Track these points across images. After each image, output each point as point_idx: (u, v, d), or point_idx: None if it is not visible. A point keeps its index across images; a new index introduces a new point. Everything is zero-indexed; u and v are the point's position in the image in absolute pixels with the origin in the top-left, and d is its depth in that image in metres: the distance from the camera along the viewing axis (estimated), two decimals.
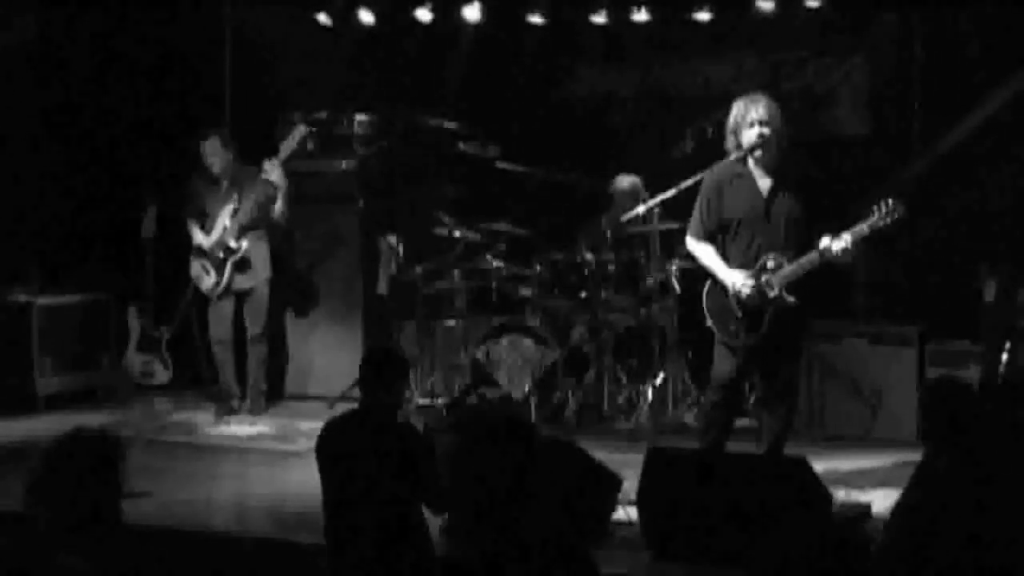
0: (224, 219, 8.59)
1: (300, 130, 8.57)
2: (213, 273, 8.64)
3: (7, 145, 9.43)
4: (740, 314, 6.18)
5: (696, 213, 6.36)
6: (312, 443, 7.74)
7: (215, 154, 8.60)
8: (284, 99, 9.46)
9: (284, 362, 9.32)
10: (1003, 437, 5.26)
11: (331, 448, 5.12)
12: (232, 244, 8.57)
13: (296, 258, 9.30)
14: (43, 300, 8.97)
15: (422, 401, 8.40)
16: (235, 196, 8.58)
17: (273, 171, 8.40)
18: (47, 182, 9.79)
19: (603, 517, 5.58)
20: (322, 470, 5.13)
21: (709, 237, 6.31)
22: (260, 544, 5.98)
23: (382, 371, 5.12)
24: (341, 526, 5.03)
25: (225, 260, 8.60)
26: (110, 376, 9.24)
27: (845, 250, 6.01)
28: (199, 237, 8.68)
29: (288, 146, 8.48)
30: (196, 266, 8.72)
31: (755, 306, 6.15)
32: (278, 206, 8.54)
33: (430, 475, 4.95)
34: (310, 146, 8.95)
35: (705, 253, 6.33)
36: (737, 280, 6.15)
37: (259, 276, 8.73)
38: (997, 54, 8.26)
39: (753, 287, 6.12)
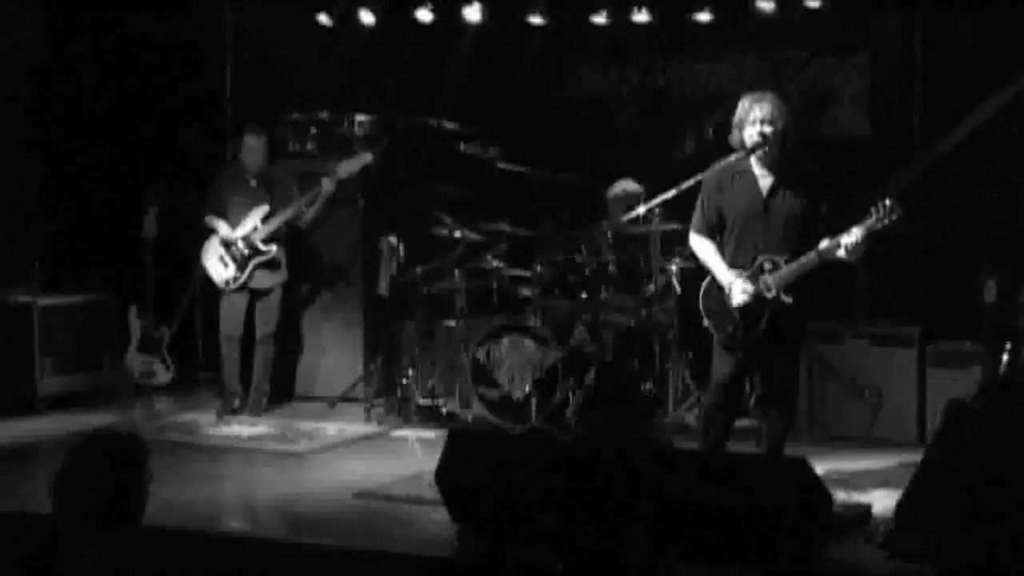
0: (255, 218, 8.60)
1: (366, 158, 8.62)
2: (232, 267, 8.63)
3: (8, 146, 9.43)
4: (738, 314, 6.20)
5: (698, 208, 6.39)
6: (313, 443, 7.91)
7: (259, 150, 8.65)
8: (285, 99, 9.46)
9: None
10: (1003, 437, 5.26)
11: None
12: (261, 247, 8.59)
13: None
14: (44, 301, 8.96)
15: (422, 402, 8.43)
16: (268, 197, 8.62)
17: (329, 186, 8.51)
18: (48, 183, 9.79)
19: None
20: None
21: (711, 232, 6.32)
22: (263, 545, 5.98)
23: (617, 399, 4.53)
24: None
25: (249, 258, 8.60)
26: (111, 377, 9.24)
27: (847, 251, 6.02)
28: (224, 229, 8.65)
29: (347, 168, 8.56)
30: (214, 255, 8.68)
31: (753, 307, 6.16)
32: (312, 212, 8.64)
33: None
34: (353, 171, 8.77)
35: (705, 251, 6.35)
36: (735, 286, 6.17)
37: (277, 278, 8.76)
38: (998, 55, 8.25)
39: (749, 294, 6.13)
